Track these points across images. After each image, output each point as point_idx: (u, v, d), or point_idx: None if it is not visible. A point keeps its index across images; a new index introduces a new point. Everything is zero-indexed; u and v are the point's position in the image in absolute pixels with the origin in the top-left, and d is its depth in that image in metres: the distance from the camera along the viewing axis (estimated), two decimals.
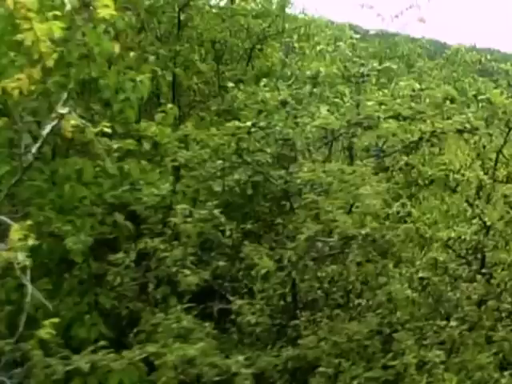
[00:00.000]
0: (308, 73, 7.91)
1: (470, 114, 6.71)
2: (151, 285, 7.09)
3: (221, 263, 6.72)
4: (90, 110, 8.23)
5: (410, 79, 8.88)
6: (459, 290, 7.23)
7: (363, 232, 6.20)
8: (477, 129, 6.52)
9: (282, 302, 6.56)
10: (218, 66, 10.72)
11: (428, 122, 6.71)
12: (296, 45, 10.40)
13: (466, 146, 8.87)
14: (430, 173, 6.81)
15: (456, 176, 6.94)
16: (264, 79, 9.05)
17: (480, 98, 9.53)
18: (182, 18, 10.06)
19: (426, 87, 7.32)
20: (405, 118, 6.86)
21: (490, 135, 7.01)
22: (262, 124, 7.38)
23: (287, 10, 10.65)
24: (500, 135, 8.02)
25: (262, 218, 7.82)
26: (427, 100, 7.57)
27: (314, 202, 6.28)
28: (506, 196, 6.64)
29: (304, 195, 6.41)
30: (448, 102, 9.31)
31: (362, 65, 8.29)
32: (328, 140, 7.06)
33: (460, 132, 6.48)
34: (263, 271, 6.35)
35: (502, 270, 6.94)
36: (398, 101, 7.19)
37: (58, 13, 6.06)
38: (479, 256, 7.16)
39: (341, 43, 9.76)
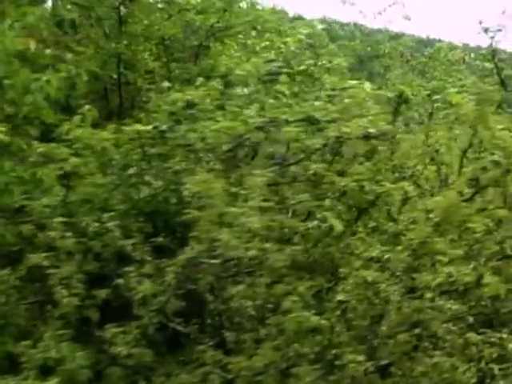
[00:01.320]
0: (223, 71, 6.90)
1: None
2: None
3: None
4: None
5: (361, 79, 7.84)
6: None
7: (250, 254, 5.22)
8: (385, 134, 5.46)
9: (162, 331, 5.60)
10: (168, 65, 9.92)
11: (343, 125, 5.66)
12: (249, 41, 9.40)
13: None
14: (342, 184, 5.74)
15: (374, 187, 5.91)
16: (200, 78, 8.07)
17: (434, 97, 8.52)
18: (122, 13, 9.25)
19: (350, 86, 6.24)
20: (318, 122, 5.82)
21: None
22: (163, 128, 6.46)
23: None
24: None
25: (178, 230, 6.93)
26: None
27: (197, 218, 5.30)
28: (428, 211, 5.57)
29: (188, 210, 5.43)
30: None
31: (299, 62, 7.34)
32: (232, 146, 6.07)
33: (366, 138, 5.44)
34: (139, 296, 5.42)
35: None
36: (316, 103, 6.17)
37: None
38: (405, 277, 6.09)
39: (288, 39, 8.75)
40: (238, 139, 6.04)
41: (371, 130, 5.33)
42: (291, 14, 23.89)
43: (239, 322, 6.25)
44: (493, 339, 6.02)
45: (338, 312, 6.33)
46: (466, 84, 5.35)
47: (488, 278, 5.20)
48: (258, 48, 9.15)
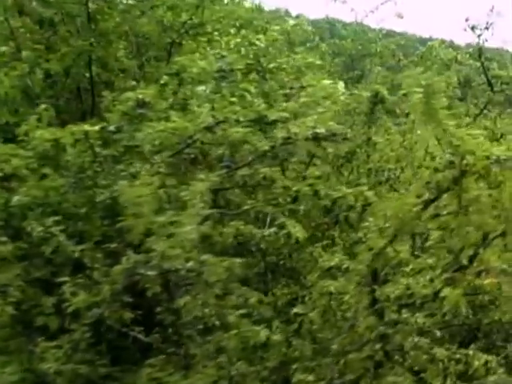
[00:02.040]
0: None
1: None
2: None
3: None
4: None
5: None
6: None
7: (188, 265, 4.76)
8: (334, 135, 4.98)
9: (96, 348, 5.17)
10: (142, 63, 9.49)
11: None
12: (223, 39, 8.92)
13: None
14: (295, 188, 5.28)
15: (330, 192, 5.44)
16: (165, 77, 7.62)
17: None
18: (91, 9, 8.82)
19: (308, 85, 5.77)
20: (272, 122, 5.36)
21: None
22: (111, 128, 6.03)
23: None
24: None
25: None
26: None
27: (131, 226, 4.85)
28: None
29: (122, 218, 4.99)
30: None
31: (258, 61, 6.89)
32: (181, 147, 5.62)
33: (316, 139, 4.96)
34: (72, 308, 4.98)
35: None
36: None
37: None
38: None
39: (260, 36, 8.27)
40: (188, 140, 5.60)
41: (319, 131, 4.86)
42: (294, 14, 23.51)
43: (189, 335, 5.82)
44: (458, 356, 5.59)
45: (296, 325, 5.93)
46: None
47: (446, 291, 4.73)
48: (232, 45, 8.66)
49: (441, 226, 4.67)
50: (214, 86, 5.93)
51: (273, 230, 5.76)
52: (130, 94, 6.11)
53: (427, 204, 4.60)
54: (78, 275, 5.67)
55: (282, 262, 6.82)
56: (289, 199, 5.27)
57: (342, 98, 6.80)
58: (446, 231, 4.67)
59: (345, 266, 5.58)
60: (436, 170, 4.44)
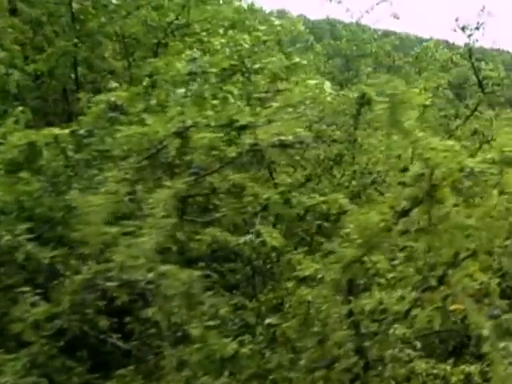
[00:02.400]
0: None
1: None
2: None
3: None
4: None
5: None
6: None
7: (149, 276, 4.52)
8: (302, 142, 4.72)
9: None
10: (129, 64, 9.26)
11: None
12: (209, 39, 8.67)
13: None
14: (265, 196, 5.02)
15: (303, 199, 5.18)
16: (146, 78, 7.38)
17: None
18: (74, 9, 8.60)
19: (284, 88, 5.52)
20: (242, 127, 5.10)
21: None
22: (81, 132, 5.80)
23: None
24: None
25: None
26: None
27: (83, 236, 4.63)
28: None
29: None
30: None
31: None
32: (151, 153, 5.38)
33: (283, 146, 4.70)
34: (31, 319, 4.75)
35: None
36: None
37: None
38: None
39: (245, 36, 8.02)
40: (158, 146, 5.36)
41: (283, 138, 4.60)
42: (294, 14, 23.21)
43: (159, 346, 5.60)
44: (435, 371, 5.33)
45: (269, 336, 5.68)
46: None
47: (415, 310, 4.47)
48: (218, 46, 8.41)
49: (410, 243, 4.41)
50: (190, 89, 5.66)
51: (248, 237, 5.53)
52: (102, 97, 5.88)
53: (398, 217, 4.33)
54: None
55: (265, 268, 6.62)
56: (258, 207, 5.01)
57: (328, 98, 6.59)
58: (414, 249, 4.42)
59: (319, 275, 5.34)
60: (403, 183, 4.18)
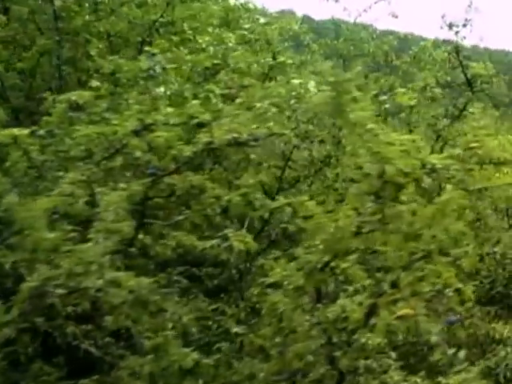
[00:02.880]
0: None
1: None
2: None
3: None
4: None
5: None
6: None
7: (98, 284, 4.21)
8: (256, 140, 4.38)
9: None
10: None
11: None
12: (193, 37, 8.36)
13: None
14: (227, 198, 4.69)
15: (269, 201, 4.86)
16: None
17: (382, 98, 7.40)
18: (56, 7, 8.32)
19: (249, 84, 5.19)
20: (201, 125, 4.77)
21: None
22: (41, 132, 5.50)
23: None
24: None
25: None
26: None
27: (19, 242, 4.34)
28: None
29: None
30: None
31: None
32: (110, 152, 5.07)
33: (238, 145, 4.37)
34: None
35: None
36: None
37: None
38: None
39: (230, 34, 7.68)
40: (117, 146, 5.06)
41: (236, 135, 4.27)
42: (300, 15, 22.84)
43: (121, 355, 5.30)
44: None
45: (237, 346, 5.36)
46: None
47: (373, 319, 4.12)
48: (203, 44, 8.10)
49: (363, 245, 4.06)
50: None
51: (215, 241, 5.21)
52: (63, 97, 5.58)
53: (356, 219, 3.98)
54: None
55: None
56: (218, 210, 4.69)
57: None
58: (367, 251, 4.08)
59: (285, 282, 5.01)
60: (352, 180, 3.83)
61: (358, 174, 3.91)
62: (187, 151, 4.46)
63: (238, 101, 4.85)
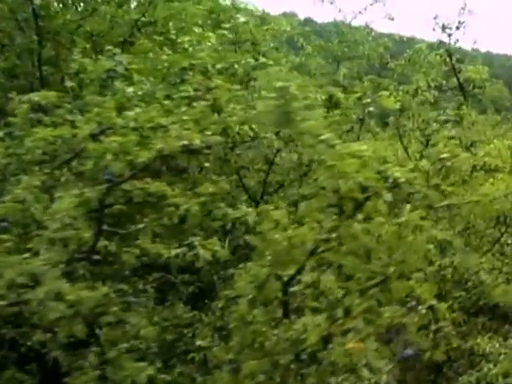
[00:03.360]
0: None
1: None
2: None
3: None
4: None
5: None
6: None
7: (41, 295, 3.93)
8: (209, 147, 4.07)
9: None
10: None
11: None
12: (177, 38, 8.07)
13: None
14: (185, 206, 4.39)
15: (230, 210, 4.56)
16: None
17: (365, 101, 7.08)
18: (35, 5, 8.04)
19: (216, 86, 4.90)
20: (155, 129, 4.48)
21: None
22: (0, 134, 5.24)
23: None
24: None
25: None
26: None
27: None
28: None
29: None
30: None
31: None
32: (67, 157, 4.79)
33: (190, 153, 4.07)
34: None
35: None
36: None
37: None
38: None
39: (210, 34, 7.38)
40: (76, 149, 4.78)
41: (187, 143, 3.98)
42: (302, 18, 22.55)
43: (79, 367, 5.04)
44: None
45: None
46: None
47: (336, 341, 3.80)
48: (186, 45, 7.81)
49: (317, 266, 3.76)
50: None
51: (180, 250, 4.94)
52: (26, 97, 5.30)
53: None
54: None
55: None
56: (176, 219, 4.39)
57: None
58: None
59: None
60: (303, 197, 3.53)
61: (314, 188, 3.60)
62: (143, 157, 4.18)
63: (202, 103, 4.56)
